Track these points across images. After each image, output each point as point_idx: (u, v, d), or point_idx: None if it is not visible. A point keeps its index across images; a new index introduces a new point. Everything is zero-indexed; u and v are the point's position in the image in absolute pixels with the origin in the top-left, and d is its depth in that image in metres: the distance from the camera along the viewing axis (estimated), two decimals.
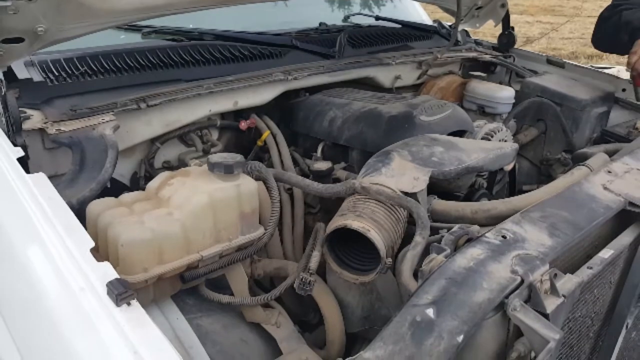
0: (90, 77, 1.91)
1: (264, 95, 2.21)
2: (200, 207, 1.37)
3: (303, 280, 1.43)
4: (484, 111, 2.68)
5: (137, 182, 2.04)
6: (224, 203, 1.42)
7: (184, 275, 1.38)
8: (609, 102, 2.66)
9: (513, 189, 2.26)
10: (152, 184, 1.47)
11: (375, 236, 1.38)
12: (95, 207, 1.36)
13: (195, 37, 2.26)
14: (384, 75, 2.60)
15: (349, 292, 1.62)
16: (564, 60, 2.95)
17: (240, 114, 2.27)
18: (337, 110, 2.17)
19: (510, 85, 2.89)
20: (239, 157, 1.47)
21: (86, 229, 1.19)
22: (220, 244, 1.44)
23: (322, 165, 1.90)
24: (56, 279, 1.02)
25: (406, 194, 1.54)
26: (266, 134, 2.15)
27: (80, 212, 1.38)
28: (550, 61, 2.98)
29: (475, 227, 1.38)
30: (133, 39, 2.20)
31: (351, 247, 1.49)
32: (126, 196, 1.44)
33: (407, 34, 2.84)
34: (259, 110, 2.28)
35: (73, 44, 1.86)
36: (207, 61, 2.14)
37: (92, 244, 1.08)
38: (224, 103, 2.12)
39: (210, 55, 2.15)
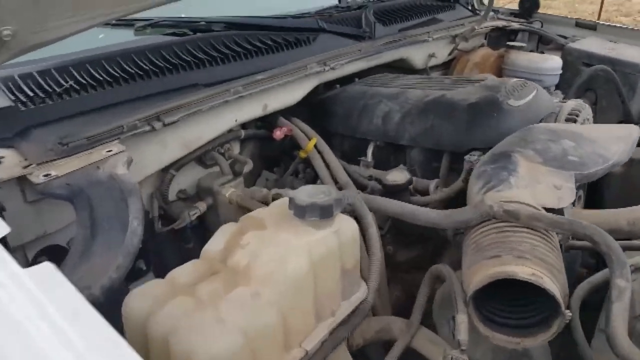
0: (79, 94, 1.32)
1: (296, 93, 1.67)
2: (301, 276, 0.85)
3: None
4: None
5: (151, 226, 1.47)
6: (325, 262, 0.91)
7: None
8: None
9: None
10: (214, 247, 0.92)
11: (552, 285, 0.90)
12: (140, 301, 0.82)
13: (203, 29, 1.68)
14: (418, 55, 2.10)
15: (476, 347, 1.14)
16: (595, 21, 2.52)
17: (264, 118, 1.72)
18: (390, 103, 1.66)
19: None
20: (334, 192, 0.94)
21: (125, 336, 0.66)
22: (324, 323, 0.92)
23: (399, 177, 1.39)
24: None
25: (550, 210, 1.06)
26: (312, 142, 1.61)
27: (107, 304, 0.84)
28: (579, 24, 2.54)
29: None
30: (123, 37, 1.60)
31: (497, 298, 1.00)
32: (179, 273, 0.89)
33: (432, 6, 2.33)
34: (285, 111, 1.74)
35: (42, 51, 1.26)
36: (226, 57, 1.57)
37: None
38: (252, 109, 1.57)
39: (228, 50, 1.58)
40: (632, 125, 1.36)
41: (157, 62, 1.45)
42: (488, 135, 1.44)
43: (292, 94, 1.66)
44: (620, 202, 1.24)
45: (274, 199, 1.32)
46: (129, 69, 1.40)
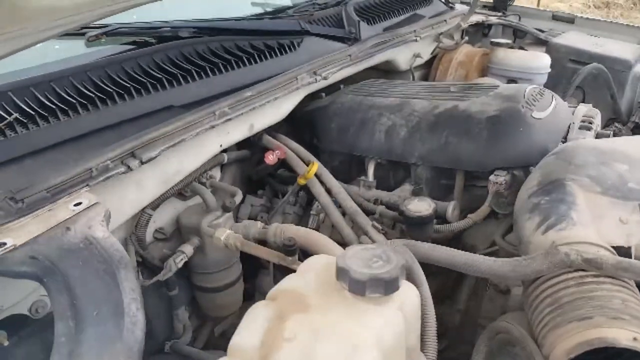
0: (27, 128, 1.05)
1: (283, 107, 1.48)
2: None
3: None
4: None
5: None
6: (395, 349, 0.74)
7: None
8: None
9: None
10: (247, 341, 0.72)
11: None
12: None
13: (168, 36, 1.43)
14: (404, 56, 1.96)
15: None
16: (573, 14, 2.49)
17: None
18: (392, 116, 1.50)
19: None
20: (392, 256, 0.77)
21: None
22: None
23: (423, 207, 1.24)
24: None
25: (619, 250, 0.95)
26: (314, 167, 1.43)
27: None
28: (556, 17, 2.51)
29: None
30: (71, 50, 1.33)
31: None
32: None
33: (411, 0, 2.19)
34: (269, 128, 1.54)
35: None
36: (202, 71, 1.34)
37: None
38: (239, 131, 1.36)
39: (204, 61, 1.36)
40: None
41: (121, 81, 1.21)
42: (514, 152, 1.33)
43: (280, 109, 1.47)
44: None
45: (286, 246, 1.12)
46: (88, 92, 1.15)
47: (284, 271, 1.58)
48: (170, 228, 1.40)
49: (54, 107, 1.09)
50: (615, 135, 2.07)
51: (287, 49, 1.54)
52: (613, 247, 0.96)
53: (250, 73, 1.41)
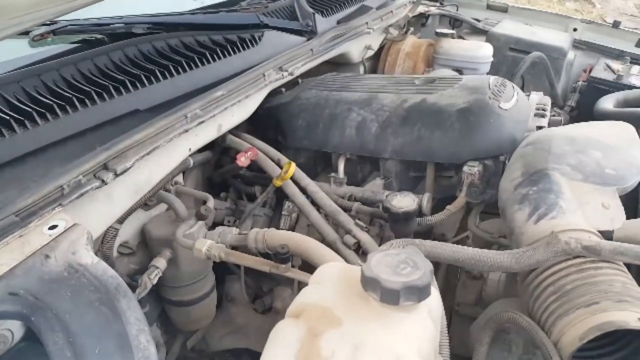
0: None
1: (250, 105, 1.41)
2: None
3: None
4: (461, 74, 2.20)
5: None
6: (429, 354, 0.72)
7: None
8: (571, 45, 2.40)
9: None
10: None
11: None
12: None
13: (121, 33, 1.31)
14: (356, 48, 1.95)
15: None
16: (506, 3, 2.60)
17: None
18: (362, 111, 1.48)
19: None
20: (418, 260, 0.75)
21: None
22: None
23: (407, 203, 1.23)
24: None
25: (603, 234, 1.00)
26: (292, 168, 1.37)
27: None
28: (491, 7, 2.61)
29: None
30: (14, 51, 1.18)
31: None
32: None
33: None
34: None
35: None
36: (166, 70, 1.24)
37: None
38: (207, 132, 1.28)
39: (166, 60, 1.26)
40: (622, 123, 1.36)
41: (79, 85, 1.09)
42: (485, 143, 1.35)
43: (247, 107, 1.40)
44: None
45: (279, 253, 1.07)
46: (44, 99, 1.03)
47: (255, 277, 1.54)
48: (135, 241, 1.30)
49: (7, 117, 0.96)
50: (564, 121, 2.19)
51: (249, 43, 1.47)
52: (599, 231, 1.00)
53: (216, 70, 1.33)
